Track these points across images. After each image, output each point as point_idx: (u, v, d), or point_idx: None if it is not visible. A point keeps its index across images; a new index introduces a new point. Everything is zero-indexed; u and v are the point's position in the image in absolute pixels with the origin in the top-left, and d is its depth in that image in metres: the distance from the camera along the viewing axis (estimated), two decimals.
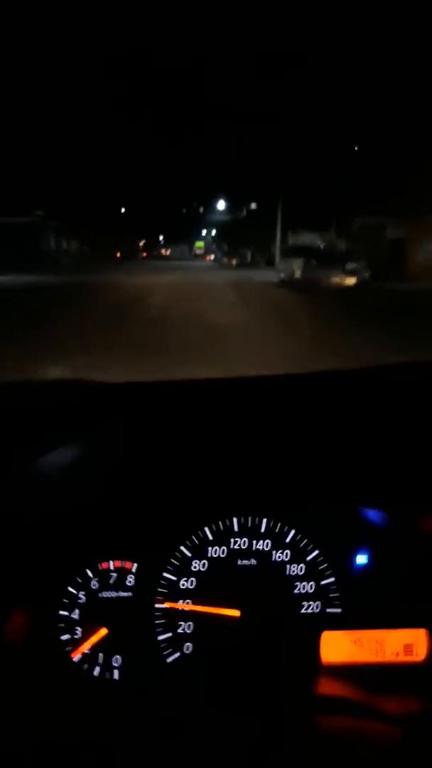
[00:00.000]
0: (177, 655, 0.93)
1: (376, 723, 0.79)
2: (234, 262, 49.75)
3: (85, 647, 0.93)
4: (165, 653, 0.93)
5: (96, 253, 52.41)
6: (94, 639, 0.93)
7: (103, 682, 0.93)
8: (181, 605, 0.94)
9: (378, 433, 0.94)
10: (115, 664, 0.93)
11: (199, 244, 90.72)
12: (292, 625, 0.93)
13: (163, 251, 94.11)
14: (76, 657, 0.93)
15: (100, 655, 0.94)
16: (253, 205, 49.95)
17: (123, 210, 75.05)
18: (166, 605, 0.94)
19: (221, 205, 62.25)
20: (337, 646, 0.93)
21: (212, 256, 66.52)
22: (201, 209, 77.14)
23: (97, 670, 0.94)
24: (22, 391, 1.00)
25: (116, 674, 0.93)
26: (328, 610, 0.94)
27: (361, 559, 0.95)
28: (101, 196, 55.84)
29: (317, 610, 0.94)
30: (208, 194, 65.56)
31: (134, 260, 54.09)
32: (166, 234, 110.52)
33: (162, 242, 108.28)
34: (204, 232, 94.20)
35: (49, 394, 1.00)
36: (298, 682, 0.89)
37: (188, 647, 0.94)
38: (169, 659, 0.93)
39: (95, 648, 0.93)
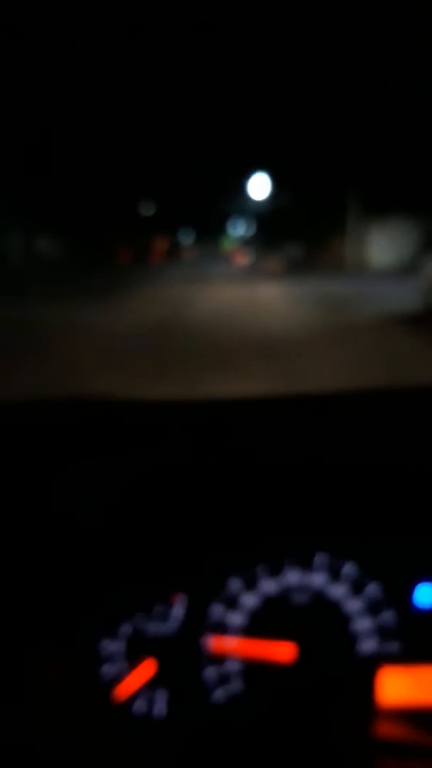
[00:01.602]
0: (225, 692, 0.89)
1: None
2: (278, 265, 35.62)
3: (131, 681, 0.89)
4: (212, 690, 0.89)
5: (91, 257, 38.79)
6: (142, 673, 0.89)
7: (147, 718, 0.89)
8: (230, 643, 0.89)
9: None
10: (160, 700, 0.89)
11: (227, 242, 76.91)
12: (348, 663, 0.88)
13: (186, 252, 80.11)
14: (120, 691, 0.89)
15: (145, 690, 0.90)
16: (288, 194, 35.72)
17: (139, 203, 61.70)
18: (214, 640, 0.89)
19: (258, 188, 47.87)
20: (397, 685, 0.88)
21: (246, 258, 52.48)
22: (230, 197, 63.19)
23: (140, 706, 0.89)
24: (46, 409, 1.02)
25: (161, 710, 0.89)
26: (387, 647, 0.88)
27: (424, 592, 0.89)
28: (106, 183, 42.33)
29: (375, 647, 0.88)
30: (240, 176, 51.13)
31: (144, 267, 39.93)
32: (193, 230, 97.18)
33: (184, 240, 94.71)
34: (237, 228, 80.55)
35: (80, 412, 1.02)
36: (355, 723, 0.86)
37: (238, 684, 0.89)
38: (217, 696, 0.89)
39: (135, 678, 0.90)
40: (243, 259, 52.18)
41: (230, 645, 0.88)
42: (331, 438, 0.98)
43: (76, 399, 1.06)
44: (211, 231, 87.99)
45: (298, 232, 34.32)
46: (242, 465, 0.95)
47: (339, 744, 0.82)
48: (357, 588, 0.89)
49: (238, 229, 79.10)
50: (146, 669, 0.88)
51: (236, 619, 0.89)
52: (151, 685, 0.89)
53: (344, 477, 0.92)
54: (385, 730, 0.85)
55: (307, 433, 0.99)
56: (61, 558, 0.88)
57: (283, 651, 0.87)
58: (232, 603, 0.89)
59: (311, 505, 0.91)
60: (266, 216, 45.32)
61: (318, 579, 0.89)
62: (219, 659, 0.89)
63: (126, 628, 0.90)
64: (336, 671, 0.87)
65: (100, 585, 0.89)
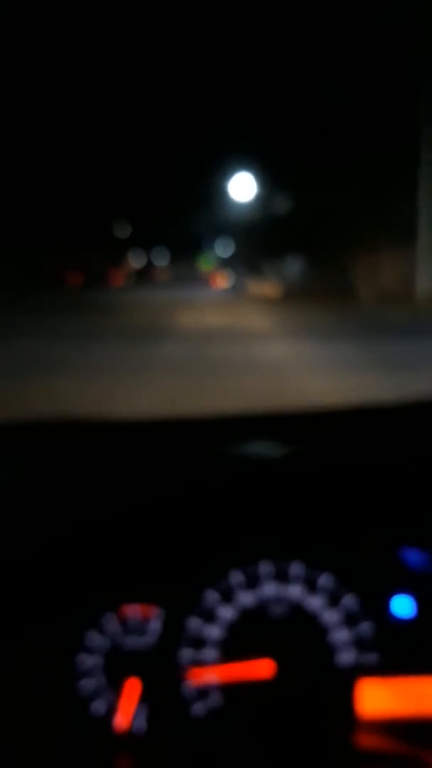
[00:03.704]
0: (205, 706, 0.89)
1: None
2: (272, 290, 26.04)
3: (112, 697, 0.89)
4: (191, 704, 0.89)
5: (22, 279, 28.83)
6: (127, 691, 0.89)
7: (126, 734, 0.89)
8: (209, 671, 0.88)
9: (418, 466, 0.94)
10: (139, 715, 0.89)
11: (205, 262, 67.50)
12: (326, 675, 0.89)
13: (159, 273, 70.55)
14: (99, 707, 0.89)
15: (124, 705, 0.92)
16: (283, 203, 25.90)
17: (113, 223, 52.12)
18: (191, 655, 0.89)
19: (242, 192, 38.14)
20: (376, 697, 0.89)
21: (226, 280, 42.97)
22: (209, 212, 53.73)
23: (119, 721, 0.90)
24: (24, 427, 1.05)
25: (140, 726, 0.89)
26: (366, 659, 0.89)
27: (401, 603, 0.90)
28: (63, 196, 33.30)
29: (353, 660, 0.89)
30: (220, 183, 41.49)
31: (97, 295, 29.69)
32: (168, 250, 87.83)
33: (158, 261, 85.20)
34: (215, 247, 71.49)
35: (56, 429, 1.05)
36: (335, 735, 0.87)
37: (216, 699, 0.89)
38: (197, 710, 0.89)
39: (119, 698, 0.90)
40: (223, 282, 43.55)
41: (209, 673, 0.88)
42: (306, 451, 1.00)
43: (53, 419, 1.06)
44: (187, 251, 78.88)
45: (302, 245, 24.71)
46: (216, 478, 0.94)
47: (320, 756, 0.83)
48: (334, 599, 0.89)
49: (217, 248, 70.07)
50: (132, 689, 0.88)
51: (213, 632, 0.89)
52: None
53: (319, 489, 0.92)
54: (366, 741, 0.85)
55: (283, 446, 1.01)
56: (34, 567, 0.87)
57: (261, 668, 0.87)
58: (209, 616, 0.89)
59: (286, 516, 0.91)
60: (252, 229, 35.76)
61: (295, 591, 0.90)
62: (196, 673, 0.88)
63: (103, 643, 0.89)
64: (315, 684, 0.87)
65: (73, 597, 0.88)
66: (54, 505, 0.89)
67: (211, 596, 0.89)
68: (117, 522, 0.90)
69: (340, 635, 0.88)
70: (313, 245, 23.17)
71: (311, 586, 0.89)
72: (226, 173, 39.86)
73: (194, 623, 0.89)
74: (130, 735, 0.87)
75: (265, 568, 0.90)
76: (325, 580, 0.89)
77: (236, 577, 0.90)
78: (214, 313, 16.56)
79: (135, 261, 67.66)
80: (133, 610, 0.89)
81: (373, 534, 0.90)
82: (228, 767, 0.82)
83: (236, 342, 9.67)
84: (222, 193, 41.31)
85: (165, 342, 9.46)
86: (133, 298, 23.91)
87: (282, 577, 0.90)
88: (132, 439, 1.02)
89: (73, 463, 0.96)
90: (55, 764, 0.82)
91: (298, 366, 7.35)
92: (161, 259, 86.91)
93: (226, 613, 0.89)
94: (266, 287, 27.15)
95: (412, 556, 0.90)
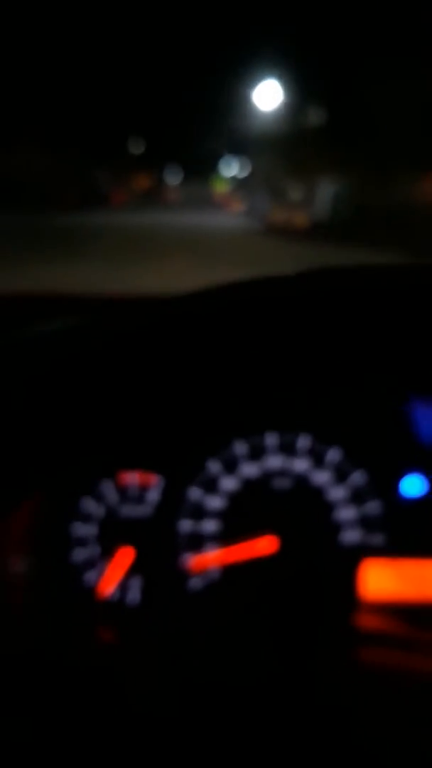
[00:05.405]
0: (202, 581, 0.87)
1: (419, 657, 0.75)
2: (300, 217, 21.21)
3: (106, 567, 0.87)
4: (189, 578, 0.88)
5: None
6: (118, 559, 0.87)
7: (119, 606, 0.88)
8: (207, 536, 0.87)
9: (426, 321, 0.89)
10: (134, 587, 0.87)
11: (219, 183, 61.49)
12: (330, 554, 0.88)
13: (171, 193, 64.84)
14: (92, 577, 0.87)
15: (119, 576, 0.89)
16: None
17: (128, 139, 46.64)
18: (190, 526, 0.87)
19: (266, 101, 32.21)
20: (380, 579, 0.87)
21: (242, 204, 37.96)
22: (227, 125, 47.76)
23: (113, 592, 0.88)
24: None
25: (134, 598, 0.87)
26: (371, 539, 0.88)
27: (412, 482, 0.87)
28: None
29: (359, 539, 0.88)
30: (241, 93, 35.54)
31: (91, 213, 24.95)
32: (182, 168, 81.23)
33: (170, 179, 78.80)
34: (230, 167, 65.41)
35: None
36: (336, 615, 0.85)
37: (215, 572, 0.87)
38: (194, 585, 0.87)
39: (115, 569, 0.88)
40: (238, 205, 38.58)
41: (210, 558, 0.85)
42: (315, 316, 0.91)
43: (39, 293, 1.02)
44: (201, 169, 72.58)
45: (341, 163, 19.58)
46: (219, 343, 0.87)
47: (320, 636, 0.79)
48: (341, 475, 0.87)
49: (233, 168, 63.96)
50: (124, 557, 0.85)
51: (214, 502, 0.87)
52: (127, 571, 0.87)
53: (329, 358, 0.86)
54: (367, 622, 0.83)
55: (290, 311, 0.91)
56: (30, 427, 0.81)
57: (264, 544, 0.84)
58: (210, 486, 0.87)
59: (295, 386, 0.87)
60: (276, 145, 30.27)
61: (301, 464, 0.87)
62: (195, 545, 0.85)
63: (99, 510, 0.87)
64: (318, 562, 0.85)
65: (70, 461, 0.84)
66: (53, 364, 0.82)
67: (214, 466, 0.86)
68: (118, 384, 0.83)
69: (346, 513, 0.85)
70: (357, 162, 18.03)
71: (318, 460, 0.86)
72: (248, 82, 33.97)
73: (195, 493, 0.86)
74: (122, 607, 0.84)
75: (271, 439, 0.87)
76: (333, 454, 0.86)
77: (240, 447, 0.87)
78: (226, 263, 11.76)
79: (145, 178, 62.07)
80: (132, 478, 0.86)
81: (382, 387, 0.84)
82: (224, 644, 0.77)
83: None
84: (243, 104, 35.47)
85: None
86: (124, 224, 19.16)
87: (288, 449, 0.87)
88: (131, 308, 0.95)
89: (67, 327, 0.90)
90: (43, 633, 0.77)
91: None
92: (173, 178, 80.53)
93: (229, 483, 0.86)
94: (293, 215, 22.21)
95: (426, 429, 0.84)
